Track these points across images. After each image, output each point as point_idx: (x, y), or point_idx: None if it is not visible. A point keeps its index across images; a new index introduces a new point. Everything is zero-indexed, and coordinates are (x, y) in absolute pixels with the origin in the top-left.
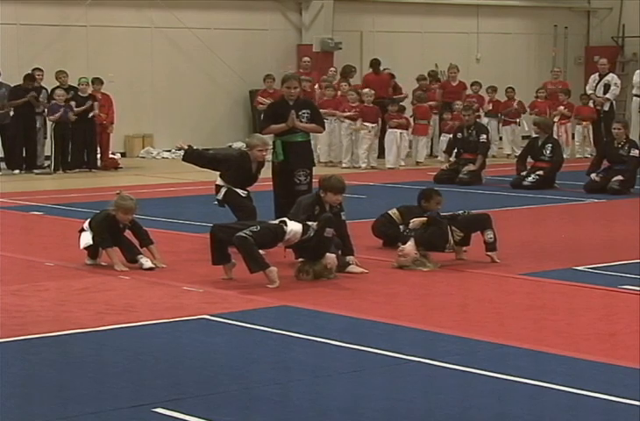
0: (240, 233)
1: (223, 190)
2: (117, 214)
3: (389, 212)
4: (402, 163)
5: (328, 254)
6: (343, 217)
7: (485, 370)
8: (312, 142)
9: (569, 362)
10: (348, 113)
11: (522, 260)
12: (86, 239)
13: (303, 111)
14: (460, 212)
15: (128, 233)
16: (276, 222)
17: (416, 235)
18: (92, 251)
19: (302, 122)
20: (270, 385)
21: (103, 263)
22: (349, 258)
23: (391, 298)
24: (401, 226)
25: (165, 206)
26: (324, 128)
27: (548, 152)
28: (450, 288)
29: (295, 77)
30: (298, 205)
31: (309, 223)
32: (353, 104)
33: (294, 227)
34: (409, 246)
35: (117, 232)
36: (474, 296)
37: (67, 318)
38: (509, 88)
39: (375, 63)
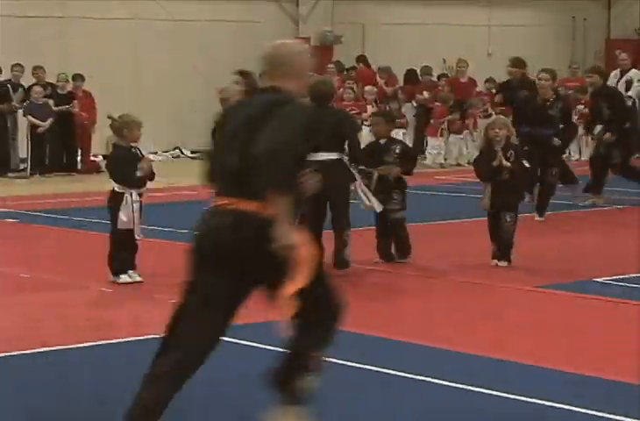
0: None
1: None
2: (131, 132)
3: None
4: None
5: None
6: None
7: (502, 391)
8: None
9: (594, 383)
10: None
11: (538, 270)
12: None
13: None
14: None
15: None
16: None
17: None
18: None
19: None
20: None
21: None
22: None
23: (392, 311)
24: None
25: (152, 213)
26: None
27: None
28: (455, 303)
29: None
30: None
31: None
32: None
33: None
34: None
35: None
36: (481, 311)
37: (40, 335)
38: None
39: (364, 59)
